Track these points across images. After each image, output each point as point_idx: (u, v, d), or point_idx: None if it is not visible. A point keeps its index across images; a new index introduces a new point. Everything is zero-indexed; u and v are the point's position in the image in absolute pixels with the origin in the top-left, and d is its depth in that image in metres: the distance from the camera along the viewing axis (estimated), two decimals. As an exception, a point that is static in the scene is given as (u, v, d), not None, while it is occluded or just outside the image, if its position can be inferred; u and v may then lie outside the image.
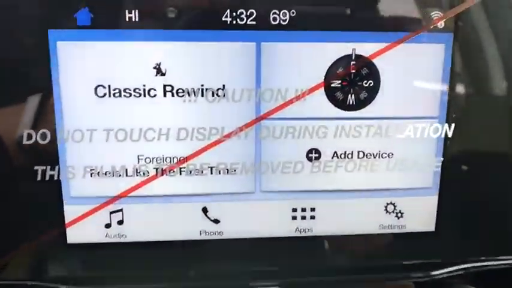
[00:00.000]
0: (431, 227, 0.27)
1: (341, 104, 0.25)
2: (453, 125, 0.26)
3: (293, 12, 0.24)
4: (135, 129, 0.24)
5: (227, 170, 0.25)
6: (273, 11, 0.24)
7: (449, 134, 0.26)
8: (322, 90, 0.25)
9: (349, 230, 0.27)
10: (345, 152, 0.26)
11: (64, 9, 0.23)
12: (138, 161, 0.25)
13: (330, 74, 0.25)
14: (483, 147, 0.27)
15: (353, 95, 0.25)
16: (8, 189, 0.25)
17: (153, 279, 0.26)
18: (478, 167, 0.27)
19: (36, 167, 0.24)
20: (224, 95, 0.24)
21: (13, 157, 0.24)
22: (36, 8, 0.23)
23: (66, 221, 0.25)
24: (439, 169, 0.27)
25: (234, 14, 0.24)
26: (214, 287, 0.27)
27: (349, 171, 0.26)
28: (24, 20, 0.23)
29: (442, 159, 0.26)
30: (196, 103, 0.24)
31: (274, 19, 0.24)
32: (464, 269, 0.28)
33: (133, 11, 0.23)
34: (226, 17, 0.24)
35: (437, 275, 0.28)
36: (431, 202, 0.27)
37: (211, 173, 0.25)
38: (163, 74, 0.24)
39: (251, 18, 0.24)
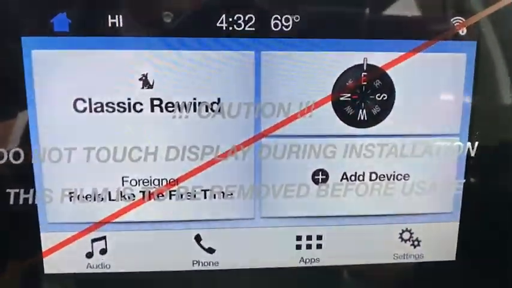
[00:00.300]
0: (452, 257, 0.24)
1: (351, 120, 0.22)
2: (476, 143, 0.23)
3: (297, 18, 0.21)
4: (119, 147, 0.21)
5: (223, 193, 0.22)
6: (275, 16, 0.21)
7: (472, 153, 0.23)
8: (329, 104, 0.22)
9: (360, 260, 0.24)
10: (356, 174, 0.23)
11: (39, 14, 0.20)
12: (123, 184, 0.22)
13: (339, 87, 0.22)
14: (509, 168, 0.23)
15: (364, 110, 0.22)
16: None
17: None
18: (504, 190, 0.24)
19: (8, 190, 0.21)
20: (219, 110, 0.21)
21: (-18, 179, 0.21)
22: (8, 13, 0.20)
23: (43, 250, 0.22)
24: (461, 192, 0.23)
25: (231, 19, 0.21)
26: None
27: (360, 194, 0.23)
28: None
29: (463, 181, 0.23)
30: (187, 119, 0.21)
31: (276, 25, 0.21)
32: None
33: (116, 16, 0.20)
34: (222, 22, 0.21)
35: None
36: (451, 229, 0.24)
37: (205, 197, 0.22)
38: (150, 86, 0.21)
39: (250, 24, 0.21)
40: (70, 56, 0.20)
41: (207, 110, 0.21)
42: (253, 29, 0.21)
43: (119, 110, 0.21)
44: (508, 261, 0.25)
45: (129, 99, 0.21)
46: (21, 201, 0.22)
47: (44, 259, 0.22)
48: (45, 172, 0.21)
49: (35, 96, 0.21)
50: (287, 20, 0.21)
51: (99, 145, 0.21)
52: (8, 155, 0.21)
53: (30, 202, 0.22)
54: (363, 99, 0.22)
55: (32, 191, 0.22)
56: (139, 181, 0.22)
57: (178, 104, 0.21)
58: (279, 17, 0.21)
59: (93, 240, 0.22)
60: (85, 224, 0.22)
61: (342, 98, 0.22)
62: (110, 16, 0.20)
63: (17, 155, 0.21)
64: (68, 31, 0.20)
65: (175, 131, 0.21)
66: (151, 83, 0.21)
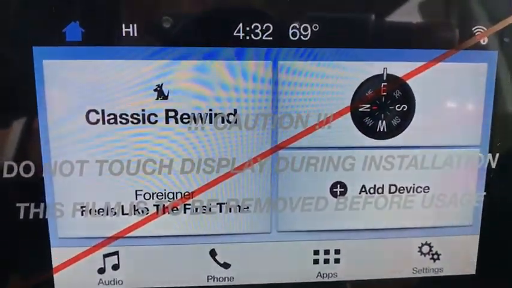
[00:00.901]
0: (472, 271, 0.23)
1: (370, 132, 0.20)
2: (497, 154, 0.21)
3: (315, 27, 0.19)
4: (133, 160, 0.20)
5: (239, 207, 0.21)
6: (293, 25, 0.19)
7: (493, 165, 0.21)
8: (348, 115, 0.20)
9: (379, 275, 0.22)
10: (375, 186, 0.21)
11: (51, 23, 0.18)
12: (136, 197, 0.20)
13: (358, 97, 0.20)
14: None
15: (384, 121, 0.20)
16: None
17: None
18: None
19: (18, 204, 0.20)
20: (236, 121, 0.20)
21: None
22: (19, 22, 0.19)
23: (54, 266, 0.21)
24: (481, 205, 0.22)
25: (248, 28, 0.19)
26: None
27: (380, 208, 0.21)
28: (5, 35, 0.19)
29: (484, 193, 0.22)
30: (203, 130, 0.20)
31: (294, 34, 0.19)
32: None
33: (131, 25, 0.19)
34: (239, 31, 0.19)
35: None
36: (472, 242, 0.22)
37: (221, 211, 0.21)
38: (165, 97, 0.19)
39: (267, 33, 0.19)
40: (83, 66, 0.19)
41: (223, 122, 0.20)
42: (271, 38, 0.19)
43: (132, 122, 0.19)
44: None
45: (143, 110, 0.19)
46: (31, 216, 0.20)
47: (54, 275, 0.21)
48: (56, 186, 0.20)
49: (46, 107, 0.19)
50: (305, 29, 0.19)
51: (112, 158, 0.20)
52: (18, 168, 0.19)
53: (40, 217, 0.20)
54: (383, 110, 0.20)
55: (42, 205, 0.20)
56: (153, 195, 0.20)
57: (194, 115, 0.20)
58: (297, 26, 0.19)
59: (105, 256, 0.21)
60: (97, 238, 0.21)
61: (361, 109, 0.20)
62: (124, 25, 0.19)
63: (27, 169, 0.19)
64: (80, 40, 0.19)
65: (190, 143, 0.20)
66: (166, 94, 0.19)
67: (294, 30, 0.19)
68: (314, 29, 0.19)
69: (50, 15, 0.19)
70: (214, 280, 0.22)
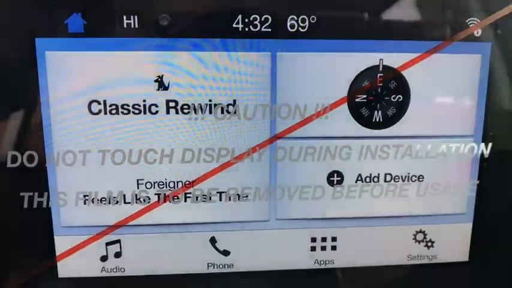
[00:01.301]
0: (465, 257, 0.23)
1: (366, 122, 0.20)
2: (490, 144, 0.21)
3: (313, 19, 0.19)
4: (134, 150, 0.20)
5: (238, 195, 0.21)
6: (291, 16, 0.19)
7: (486, 155, 0.21)
8: (345, 106, 0.20)
9: (375, 262, 0.22)
10: (371, 175, 0.21)
11: (53, 15, 0.18)
12: (138, 186, 0.20)
13: (354, 88, 0.20)
14: (524, 169, 0.22)
15: (380, 112, 0.20)
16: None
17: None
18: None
19: (22, 194, 0.20)
20: (235, 112, 0.20)
21: (-4, 183, 0.20)
22: (21, 14, 0.18)
23: (57, 254, 0.20)
24: (474, 193, 0.22)
25: (247, 20, 0.19)
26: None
27: (375, 196, 0.21)
28: (8, 26, 0.18)
29: (477, 182, 0.22)
30: (203, 121, 0.20)
31: (292, 26, 0.19)
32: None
33: (132, 17, 0.18)
34: (238, 23, 0.19)
35: (470, 310, 0.23)
36: (465, 230, 0.22)
37: (221, 200, 0.21)
38: (166, 88, 0.19)
39: (266, 24, 0.19)
40: (84, 57, 0.19)
41: (222, 112, 0.20)
42: (270, 30, 0.19)
43: (134, 112, 0.19)
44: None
45: (144, 101, 0.19)
46: (35, 205, 0.20)
47: (58, 263, 0.21)
48: (59, 175, 0.20)
49: (49, 98, 0.19)
50: (303, 20, 0.19)
51: (114, 148, 0.19)
52: (22, 158, 0.19)
53: (44, 206, 0.20)
54: (379, 101, 0.20)
55: (46, 194, 0.20)
56: (154, 184, 0.20)
57: (194, 106, 0.19)
58: (296, 18, 0.19)
59: (108, 244, 0.21)
60: (99, 227, 0.20)
61: (357, 100, 0.20)
62: (125, 17, 0.19)
63: (31, 158, 0.19)
64: (82, 32, 0.19)
65: (191, 133, 0.20)
66: (166, 85, 0.19)
67: (292, 21, 0.19)
68: (312, 21, 0.19)
69: (52, 7, 0.18)
70: (214, 267, 0.21)
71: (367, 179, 0.21)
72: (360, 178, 0.21)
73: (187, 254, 0.21)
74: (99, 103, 0.19)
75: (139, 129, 0.19)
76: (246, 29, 0.19)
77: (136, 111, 0.19)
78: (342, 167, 0.21)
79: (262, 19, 0.19)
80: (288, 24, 0.19)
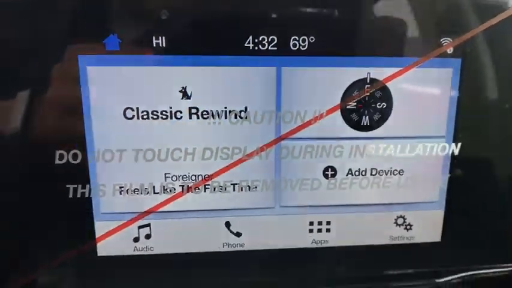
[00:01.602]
0: (437, 238, 0.26)
1: (356, 125, 0.24)
2: (459, 144, 0.25)
3: (312, 39, 0.22)
4: (163, 149, 0.23)
5: (249, 186, 0.24)
6: (293, 37, 0.22)
7: (456, 153, 0.25)
8: (338, 112, 0.23)
9: (362, 242, 0.26)
10: (359, 170, 0.24)
11: (93, 36, 0.21)
12: (165, 179, 0.23)
13: (346, 97, 0.23)
14: (487, 165, 0.25)
15: (367, 117, 0.24)
16: (40, 206, 0.23)
17: (179, 289, 0.25)
18: (482, 183, 0.26)
19: (68, 186, 0.23)
20: (246, 117, 0.23)
21: (46, 176, 0.23)
22: (67, 35, 0.21)
23: (97, 236, 0.24)
24: (446, 185, 0.25)
25: (256, 40, 0.22)
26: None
27: (363, 187, 0.24)
28: (55, 46, 0.21)
29: (448, 175, 0.25)
30: (220, 124, 0.23)
31: (294, 45, 0.22)
32: (466, 276, 0.27)
33: (160, 37, 0.22)
34: (249, 43, 0.22)
35: (441, 282, 0.26)
36: (437, 215, 0.26)
37: (234, 190, 0.24)
38: (188, 97, 0.22)
39: (272, 44, 0.22)
40: (120, 71, 0.22)
41: (235, 117, 0.23)
42: (275, 48, 0.22)
43: (162, 117, 0.22)
44: (483, 241, 0.27)
45: (170, 108, 0.22)
46: (78, 195, 0.23)
47: (97, 244, 0.24)
48: (99, 170, 0.23)
49: (90, 106, 0.22)
50: (304, 40, 0.22)
51: (146, 147, 0.23)
52: (68, 156, 0.22)
53: (86, 196, 0.23)
54: (366, 108, 0.23)
55: (87, 186, 0.23)
56: (179, 177, 0.23)
57: (212, 112, 0.23)
58: (297, 38, 0.22)
59: (140, 227, 0.24)
60: (133, 213, 0.24)
61: (348, 107, 0.23)
62: (154, 38, 0.22)
63: (75, 156, 0.22)
64: (118, 50, 0.22)
65: (209, 134, 0.23)
66: (189, 95, 0.22)
67: (294, 41, 0.22)
68: (311, 41, 0.22)
69: (92, 29, 0.21)
70: (228, 246, 0.25)
71: (356, 173, 0.24)
72: (350, 172, 0.24)
73: (206, 235, 0.24)
74: (132, 110, 0.22)
75: (167, 131, 0.23)
76: (256, 48, 0.22)
77: (164, 117, 0.22)
78: (335, 163, 0.24)
79: (269, 39, 0.22)
80: (291, 43, 0.22)
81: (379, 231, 0.26)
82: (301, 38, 0.22)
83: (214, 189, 0.24)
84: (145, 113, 0.22)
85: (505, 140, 0.25)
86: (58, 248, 0.24)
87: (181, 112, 0.22)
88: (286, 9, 0.22)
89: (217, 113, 0.23)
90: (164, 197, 0.23)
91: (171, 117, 0.22)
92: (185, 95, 0.22)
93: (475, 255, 0.27)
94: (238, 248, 0.25)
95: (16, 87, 0.21)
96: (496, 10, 0.23)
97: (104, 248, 0.24)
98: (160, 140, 0.23)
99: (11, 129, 0.22)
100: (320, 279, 0.26)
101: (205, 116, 0.23)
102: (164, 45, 0.22)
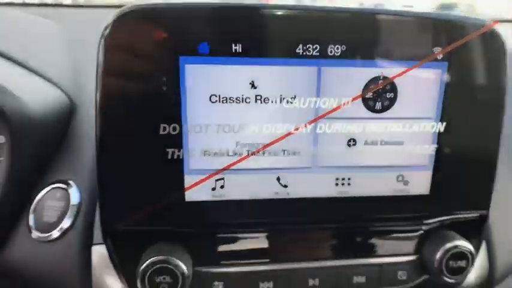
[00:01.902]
0: (427, 192, 0.35)
1: (371, 109, 0.33)
2: (444, 123, 0.34)
3: (344, 47, 0.31)
4: (236, 124, 0.31)
5: (294, 152, 0.33)
6: (330, 45, 0.31)
7: (441, 130, 0.34)
8: (360, 100, 0.32)
9: (373, 193, 0.35)
10: (372, 141, 0.33)
11: (190, 43, 0.30)
12: (236, 146, 0.32)
13: (365, 89, 0.32)
14: (465, 139, 0.34)
15: (380, 103, 0.32)
16: (148, 164, 0.31)
17: (243, 224, 0.34)
18: (460, 152, 0.35)
19: (167, 149, 0.31)
20: (295, 102, 0.31)
21: (153, 142, 0.31)
22: (171, 42, 0.29)
23: (185, 186, 0.32)
24: (434, 153, 0.34)
25: (304, 47, 0.30)
26: (286, 228, 0.35)
27: (375, 153, 0.34)
28: (162, 50, 0.29)
29: (436, 146, 0.34)
30: (276, 108, 0.31)
31: (331, 51, 0.31)
32: (448, 219, 0.36)
33: (237, 45, 0.30)
34: (299, 49, 0.30)
35: (429, 223, 0.36)
36: (427, 175, 0.35)
37: (284, 154, 0.33)
38: (255, 88, 0.31)
39: (315, 50, 0.31)
40: (208, 68, 0.30)
41: (287, 102, 0.31)
42: (318, 53, 0.31)
43: (236, 102, 0.31)
44: (461, 193, 0.36)
45: (242, 95, 0.31)
46: (175, 157, 0.31)
47: (185, 192, 0.32)
48: (190, 139, 0.31)
49: (186, 93, 0.30)
50: (338, 48, 0.31)
51: (224, 123, 0.31)
52: (169, 128, 0.31)
53: (180, 157, 0.32)
54: (379, 97, 0.32)
55: (181, 150, 0.31)
56: (245, 144, 0.32)
57: (271, 98, 0.31)
58: (333, 46, 0.31)
59: (216, 180, 0.33)
60: (212, 170, 0.32)
61: (367, 96, 0.32)
62: (233, 44, 0.30)
63: (174, 128, 0.31)
64: (208, 53, 0.30)
65: (268, 115, 0.32)
66: (256, 86, 0.31)
67: (331, 49, 0.31)
68: (343, 49, 0.31)
69: (190, 39, 0.29)
70: (278, 195, 0.34)
71: (371, 143, 0.33)
72: (366, 142, 0.33)
73: (263, 186, 0.33)
74: (215, 96, 0.31)
75: (239, 112, 0.31)
76: (304, 53, 0.31)
77: (237, 101, 0.31)
78: (356, 136, 0.33)
79: (314, 47, 0.31)
80: (329, 50, 0.31)
81: (385, 186, 0.35)
82: (336, 46, 0.31)
83: (270, 153, 0.33)
84: (224, 98, 0.31)
85: (477, 121, 0.34)
86: (159, 194, 0.32)
87: (249, 98, 0.31)
88: (326, 29, 0.31)
89: (275, 99, 0.31)
90: (235, 158, 0.32)
91: (242, 102, 0.31)
92: (253, 86, 0.31)
93: (455, 205, 0.36)
94: (285, 196, 0.34)
95: (137, 81, 0.30)
96: (473, 28, 0.32)
97: (190, 195, 0.33)
98: (234, 118, 0.31)
99: (134, 108, 0.30)
100: (342, 218, 0.35)
101: (266, 101, 0.31)
102: (240, 50, 0.30)
